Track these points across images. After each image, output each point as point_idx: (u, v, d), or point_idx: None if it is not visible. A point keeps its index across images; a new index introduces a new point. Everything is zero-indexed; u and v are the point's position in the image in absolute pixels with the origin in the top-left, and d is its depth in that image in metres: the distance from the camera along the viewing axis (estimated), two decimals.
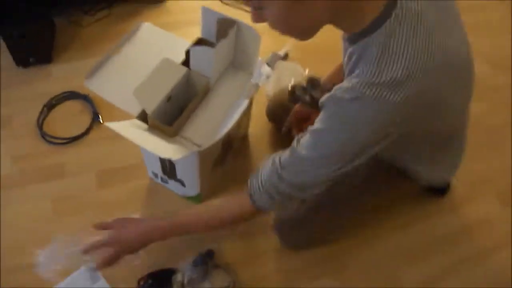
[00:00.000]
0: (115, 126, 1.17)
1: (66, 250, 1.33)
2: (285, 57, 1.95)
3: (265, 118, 1.78)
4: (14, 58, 1.95)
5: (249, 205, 1.12)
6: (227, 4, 2.25)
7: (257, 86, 1.31)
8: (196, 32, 1.45)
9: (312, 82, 1.44)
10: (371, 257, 1.53)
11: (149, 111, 1.27)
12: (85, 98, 1.84)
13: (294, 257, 1.51)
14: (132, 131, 1.25)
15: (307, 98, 1.43)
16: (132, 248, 1.24)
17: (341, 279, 1.47)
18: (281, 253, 1.52)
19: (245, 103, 1.28)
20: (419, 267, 1.51)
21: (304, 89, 1.45)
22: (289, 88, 1.51)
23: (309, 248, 1.52)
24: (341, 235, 1.55)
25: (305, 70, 1.93)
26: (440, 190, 1.63)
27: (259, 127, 1.80)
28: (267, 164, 1.09)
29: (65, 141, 1.75)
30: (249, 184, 1.13)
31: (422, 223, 1.60)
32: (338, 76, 1.29)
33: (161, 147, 1.22)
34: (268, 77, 1.31)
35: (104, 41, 2.04)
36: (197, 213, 1.28)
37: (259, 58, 1.45)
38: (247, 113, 1.62)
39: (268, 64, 1.33)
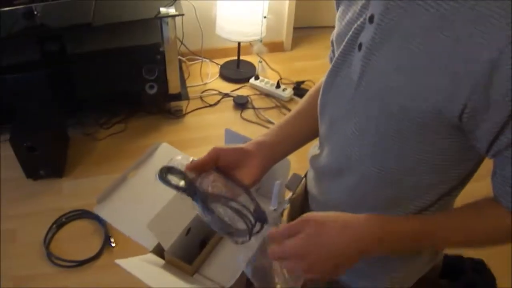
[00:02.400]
0: (125, 263, 1.09)
1: None
2: None
3: None
4: (24, 170, 1.90)
5: None
6: (247, 120, 2.24)
7: (279, 213, 1.25)
8: None
9: None
10: None
11: (165, 246, 1.20)
12: (98, 219, 1.77)
13: None
14: (145, 269, 1.16)
15: None
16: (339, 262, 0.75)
17: None
18: None
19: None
20: None
21: None
22: None
23: None
24: None
25: None
26: None
27: None
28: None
29: (72, 264, 1.66)
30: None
31: None
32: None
33: None
34: (288, 203, 1.25)
35: (119, 157, 2.00)
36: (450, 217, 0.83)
37: (277, 181, 1.38)
38: None
39: (288, 187, 1.28)
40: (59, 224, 1.77)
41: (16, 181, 1.91)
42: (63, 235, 1.76)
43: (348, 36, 0.81)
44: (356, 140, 0.84)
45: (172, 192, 1.23)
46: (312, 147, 1.15)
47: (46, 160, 1.88)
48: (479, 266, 1.54)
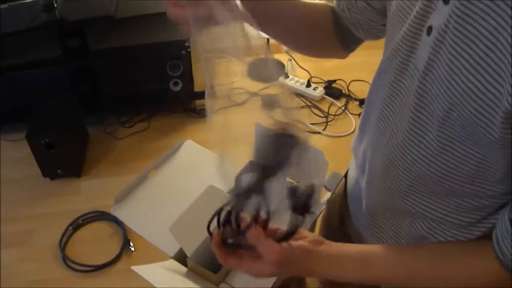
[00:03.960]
0: (143, 270, 0.98)
1: None
2: None
3: None
4: (41, 168, 1.81)
5: (500, 273, 0.74)
6: (276, 119, 2.12)
7: (314, 215, 1.12)
8: (244, 151, 1.29)
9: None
10: None
11: (188, 252, 1.07)
12: (116, 221, 1.66)
13: None
14: (165, 277, 1.05)
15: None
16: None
17: None
18: None
19: None
20: None
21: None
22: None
23: None
24: None
25: None
26: None
27: None
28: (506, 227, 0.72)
29: (89, 269, 1.56)
30: (498, 251, 0.73)
31: None
32: None
33: None
34: (326, 204, 1.13)
35: (140, 157, 1.90)
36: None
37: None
38: None
39: (326, 188, 1.15)
40: (76, 226, 1.67)
41: (32, 180, 1.82)
42: (80, 237, 1.66)
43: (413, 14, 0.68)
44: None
45: (197, 193, 1.12)
46: (355, 138, 1.03)
47: (64, 158, 1.78)
48: None
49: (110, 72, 2.01)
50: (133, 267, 0.96)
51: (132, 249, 1.59)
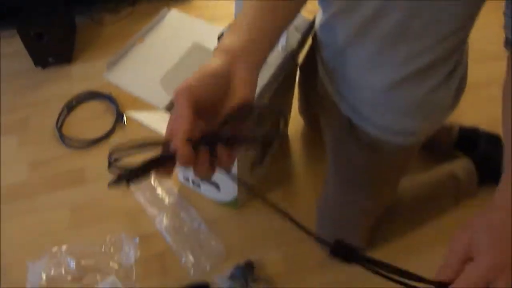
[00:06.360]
0: (140, 116, 1.02)
1: None
2: None
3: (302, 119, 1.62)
4: (33, 59, 1.83)
5: None
6: None
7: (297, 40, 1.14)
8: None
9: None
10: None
11: None
12: (108, 98, 1.69)
13: (339, 270, 1.33)
14: (158, 119, 1.09)
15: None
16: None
17: None
18: (325, 265, 1.34)
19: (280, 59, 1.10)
20: None
21: None
22: None
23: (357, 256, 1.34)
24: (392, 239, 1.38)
25: None
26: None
27: (296, 128, 1.65)
28: None
29: (86, 144, 1.61)
30: None
31: None
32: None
33: None
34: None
35: (126, 39, 1.89)
36: None
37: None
38: (287, 106, 1.46)
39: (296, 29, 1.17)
40: (70, 107, 1.71)
41: (25, 72, 1.84)
42: (75, 117, 1.70)
43: None
44: None
45: (184, 49, 1.14)
46: None
47: (54, 46, 1.79)
48: (494, 140, 1.47)
49: None
50: (130, 113, 1.00)
51: (125, 122, 1.63)
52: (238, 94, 0.60)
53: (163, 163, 0.55)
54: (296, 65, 1.28)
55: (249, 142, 0.63)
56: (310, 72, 1.23)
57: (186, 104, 0.55)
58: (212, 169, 0.57)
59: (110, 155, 0.56)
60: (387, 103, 0.99)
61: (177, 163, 0.54)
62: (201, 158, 0.55)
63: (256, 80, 0.64)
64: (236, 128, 0.58)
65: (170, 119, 0.57)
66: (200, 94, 0.57)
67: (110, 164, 0.55)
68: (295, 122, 1.62)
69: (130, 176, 0.54)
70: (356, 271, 1.29)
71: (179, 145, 0.52)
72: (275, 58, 1.16)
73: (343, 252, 0.56)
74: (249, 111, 0.60)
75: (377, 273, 0.55)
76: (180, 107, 0.55)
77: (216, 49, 0.64)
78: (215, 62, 0.60)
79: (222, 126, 0.56)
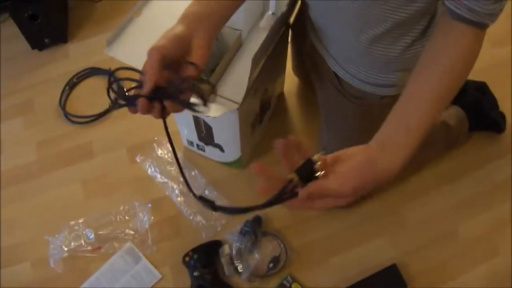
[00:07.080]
0: (121, 56, 1.09)
1: None
2: None
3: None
4: (29, 42, 1.86)
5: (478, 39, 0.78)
6: None
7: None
8: None
9: None
10: (428, 211, 1.43)
11: None
12: (109, 73, 1.74)
13: (346, 217, 1.41)
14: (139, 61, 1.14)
15: None
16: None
17: (397, 237, 1.38)
18: (332, 214, 1.42)
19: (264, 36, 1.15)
20: (478, 219, 1.42)
21: None
22: None
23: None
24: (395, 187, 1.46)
25: None
26: (494, 127, 1.47)
27: (293, 85, 1.71)
28: None
29: (90, 119, 1.67)
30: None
31: (480, 169, 1.49)
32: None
33: None
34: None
35: (119, 14, 1.93)
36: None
37: None
38: (281, 66, 1.51)
39: None
40: (72, 85, 1.76)
41: (22, 55, 1.88)
42: (77, 94, 1.75)
43: None
44: None
45: None
46: None
47: (49, 27, 1.82)
48: (482, 86, 1.52)
49: None
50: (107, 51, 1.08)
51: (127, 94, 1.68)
52: (194, 55, 0.79)
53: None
54: (288, 28, 1.33)
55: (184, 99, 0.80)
56: (301, 30, 1.30)
57: (155, 59, 0.73)
58: (165, 114, 0.80)
59: (110, 77, 0.86)
60: (369, 59, 1.07)
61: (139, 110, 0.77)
62: (155, 107, 0.77)
63: (210, 43, 0.81)
64: (178, 88, 0.77)
65: (144, 66, 0.76)
66: (166, 52, 0.75)
67: (109, 84, 0.82)
68: (290, 80, 1.67)
69: (123, 96, 0.79)
70: (354, 220, 1.39)
71: (145, 91, 0.74)
72: (267, 23, 1.21)
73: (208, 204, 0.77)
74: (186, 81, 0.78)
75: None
76: (150, 61, 0.74)
77: (180, 16, 0.82)
78: (178, 28, 0.79)
79: (169, 86, 0.76)
